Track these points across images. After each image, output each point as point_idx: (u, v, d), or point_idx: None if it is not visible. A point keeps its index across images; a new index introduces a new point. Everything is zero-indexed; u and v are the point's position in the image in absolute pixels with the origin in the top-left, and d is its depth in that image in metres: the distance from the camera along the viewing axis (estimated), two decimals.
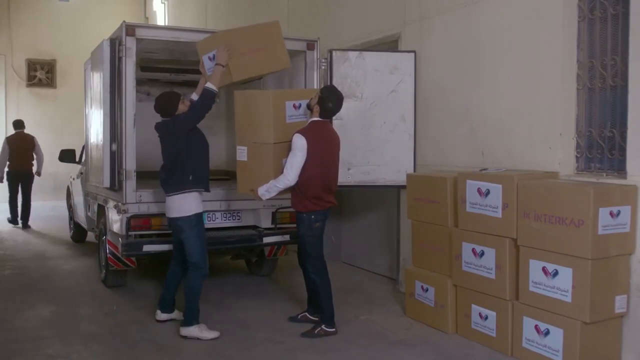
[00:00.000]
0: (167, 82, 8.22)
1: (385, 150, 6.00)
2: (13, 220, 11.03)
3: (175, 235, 5.05)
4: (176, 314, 5.22)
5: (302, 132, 4.76)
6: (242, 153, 5.09)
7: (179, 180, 4.85)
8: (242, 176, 5.17)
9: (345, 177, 5.88)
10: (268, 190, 4.88)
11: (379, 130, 6.00)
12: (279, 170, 4.85)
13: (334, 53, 6.06)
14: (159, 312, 5.23)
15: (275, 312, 5.53)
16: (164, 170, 4.94)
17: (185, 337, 4.80)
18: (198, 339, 4.78)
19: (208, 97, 4.96)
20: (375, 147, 6.01)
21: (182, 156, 4.84)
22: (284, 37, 5.43)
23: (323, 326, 4.90)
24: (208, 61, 5.14)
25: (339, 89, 5.08)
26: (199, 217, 4.94)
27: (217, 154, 8.58)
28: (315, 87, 6.20)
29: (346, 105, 5.30)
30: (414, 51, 6.00)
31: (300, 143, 4.71)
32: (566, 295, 4.01)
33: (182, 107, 4.91)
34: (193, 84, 8.31)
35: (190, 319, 4.84)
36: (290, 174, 4.75)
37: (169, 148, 4.91)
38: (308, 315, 5.20)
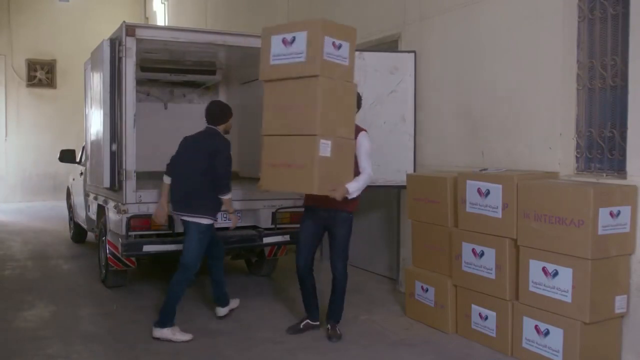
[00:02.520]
0: (167, 82, 8.24)
1: (385, 150, 5.99)
2: None
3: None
4: (234, 303, 5.41)
5: (364, 130, 4.78)
6: (325, 148, 4.44)
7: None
8: (323, 174, 4.42)
9: None
10: (359, 188, 4.65)
11: (379, 130, 5.99)
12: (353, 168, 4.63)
13: None
14: (219, 308, 5.32)
15: (275, 312, 5.53)
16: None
17: (157, 339, 4.75)
18: (170, 341, 4.74)
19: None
20: (375, 147, 6.00)
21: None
22: None
23: (336, 326, 4.87)
24: (282, 45, 4.46)
25: None
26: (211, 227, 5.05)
27: None
28: None
29: None
30: (414, 51, 6.00)
31: (369, 141, 4.75)
32: (566, 296, 4.01)
33: (227, 126, 5.14)
34: (193, 84, 8.40)
35: (165, 320, 4.80)
36: (371, 171, 4.73)
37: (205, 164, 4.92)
38: (310, 322, 4.99)
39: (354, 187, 4.59)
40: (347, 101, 4.51)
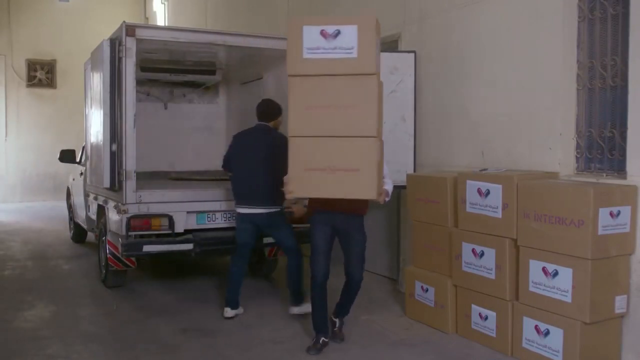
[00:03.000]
0: (167, 82, 8.25)
1: (385, 150, 5.95)
2: None
3: (251, 233, 5.32)
4: (241, 309, 5.42)
5: None
6: (381, 150, 4.25)
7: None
8: (377, 177, 4.13)
9: None
10: (390, 192, 4.48)
11: None
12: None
13: None
14: (227, 309, 5.32)
15: (275, 312, 5.53)
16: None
17: (299, 315, 5.21)
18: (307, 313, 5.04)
19: None
20: None
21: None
22: (284, 37, 5.39)
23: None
24: (320, 38, 4.06)
25: None
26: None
27: (217, 154, 8.61)
28: None
29: None
30: (414, 51, 5.99)
31: None
32: (566, 296, 4.01)
33: (276, 123, 5.37)
34: (193, 84, 8.41)
35: (302, 298, 5.25)
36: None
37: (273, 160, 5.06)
38: (325, 339, 4.60)
39: (390, 190, 4.45)
40: (382, 100, 4.30)
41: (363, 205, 4.53)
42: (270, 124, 5.36)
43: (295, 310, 5.30)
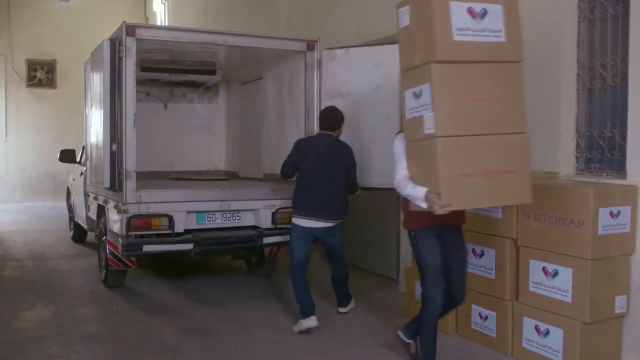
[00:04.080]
0: (167, 82, 8.25)
1: (372, 152, 5.77)
2: None
3: (308, 244, 5.14)
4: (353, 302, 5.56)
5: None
6: None
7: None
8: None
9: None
10: None
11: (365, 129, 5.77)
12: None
13: (323, 52, 6.03)
14: (301, 321, 5.01)
15: (275, 312, 5.53)
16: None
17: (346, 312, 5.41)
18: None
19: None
20: (360, 148, 5.75)
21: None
22: (284, 37, 5.40)
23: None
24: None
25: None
26: None
27: (217, 154, 8.62)
28: (314, 87, 6.20)
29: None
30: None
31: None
32: (566, 296, 4.01)
33: (339, 132, 5.24)
34: (193, 84, 8.41)
35: (349, 296, 5.49)
36: None
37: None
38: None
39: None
40: None
41: (464, 213, 4.04)
42: (335, 133, 5.20)
43: (345, 309, 5.45)
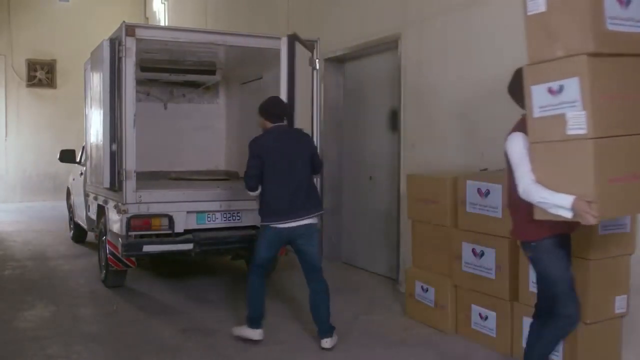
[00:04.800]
0: (167, 82, 8.25)
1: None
2: None
3: (278, 247, 4.76)
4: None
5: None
6: None
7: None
8: None
9: None
10: None
11: None
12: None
13: None
14: (246, 329, 4.72)
15: (275, 312, 5.53)
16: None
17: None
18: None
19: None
20: None
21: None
22: (284, 37, 5.39)
23: None
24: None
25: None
26: None
27: (217, 154, 8.62)
28: (314, 87, 6.20)
29: None
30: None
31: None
32: None
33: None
34: (193, 84, 8.41)
35: (332, 327, 4.67)
36: None
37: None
38: None
39: None
40: None
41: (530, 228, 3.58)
42: (286, 123, 4.87)
43: (328, 343, 4.58)
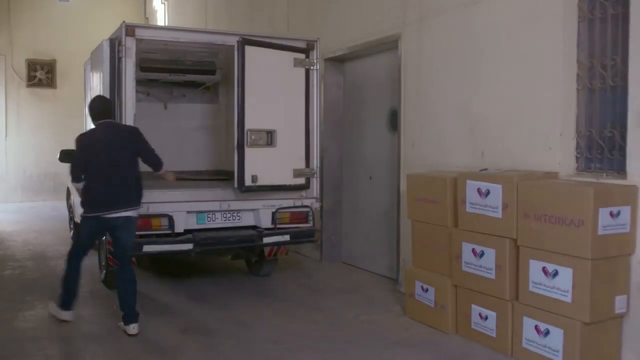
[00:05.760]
0: (167, 82, 8.24)
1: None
2: None
3: (99, 233, 5.30)
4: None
5: None
6: None
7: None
8: None
9: None
10: None
11: None
12: None
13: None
14: (60, 310, 5.22)
15: (275, 312, 5.53)
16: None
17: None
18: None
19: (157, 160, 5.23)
20: None
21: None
22: (285, 37, 5.39)
23: None
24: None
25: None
26: None
27: (217, 154, 8.62)
28: (314, 87, 6.20)
29: None
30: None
31: None
32: (566, 296, 4.01)
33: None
34: (193, 84, 8.40)
35: (137, 313, 5.03)
36: None
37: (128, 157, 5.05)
38: None
39: None
40: None
41: None
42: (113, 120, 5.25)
43: (135, 329, 4.91)
